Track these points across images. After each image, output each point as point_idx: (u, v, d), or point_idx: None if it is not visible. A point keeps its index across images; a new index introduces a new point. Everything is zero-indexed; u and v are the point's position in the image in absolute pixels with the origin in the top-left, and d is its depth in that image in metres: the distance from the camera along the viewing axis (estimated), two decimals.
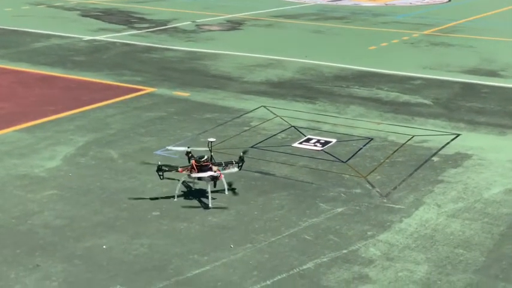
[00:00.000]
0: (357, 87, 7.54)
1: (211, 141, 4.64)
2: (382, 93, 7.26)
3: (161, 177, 4.53)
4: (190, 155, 4.60)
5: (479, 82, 7.83)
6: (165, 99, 6.92)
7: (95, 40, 10.14)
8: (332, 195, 4.53)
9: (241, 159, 4.67)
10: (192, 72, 8.21)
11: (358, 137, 5.76)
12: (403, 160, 5.21)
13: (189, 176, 4.41)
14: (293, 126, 6.04)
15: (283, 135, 5.81)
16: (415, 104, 6.86)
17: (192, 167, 4.46)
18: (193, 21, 12.06)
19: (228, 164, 4.64)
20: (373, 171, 4.96)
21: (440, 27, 11.74)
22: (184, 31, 11.12)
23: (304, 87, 7.50)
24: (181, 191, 4.51)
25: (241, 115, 6.38)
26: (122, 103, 6.75)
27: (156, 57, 9.05)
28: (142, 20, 12.20)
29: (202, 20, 12.27)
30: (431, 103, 6.91)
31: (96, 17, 12.32)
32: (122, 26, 11.42)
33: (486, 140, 5.75)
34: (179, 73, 8.14)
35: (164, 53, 9.29)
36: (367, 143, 5.60)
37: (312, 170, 5.00)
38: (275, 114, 6.42)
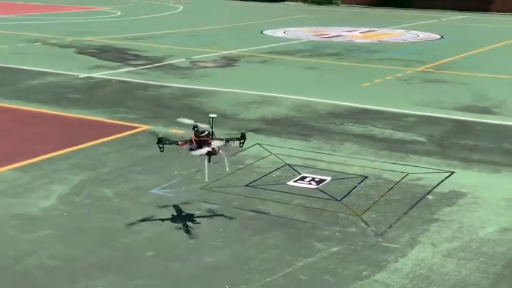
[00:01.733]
0: (351, 124, 7.58)
1: (213, 117, 4.64)
2: (377, 131, 7.30)
3: (161, 149, 4.52)
4: (196, 129, 4.59)
5: (472, 119, 7.89)
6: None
7: (90, 77, 10.20)
8: (327, 234, 4.53)
9: (243, 136, 4.66)
10: (187, 109, 8.25)
11: (353, 175, 5.78)
12: (398, 198, 5.22)
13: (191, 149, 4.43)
14: (288, 164, 6.06)
15: (278, 173, 5.83)
16: (410, 142, 6.90)
17: (192, 141, 4.45)
18: (188, 58, 12.15)
19: (229, 140, 4.64)
20: (368, 209, 4.97)
21: (433, 64, 11.84)
22: (179, 68, 11.19)
23: (299, 125, 7.54)
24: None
25: (236, 153, 6.38)
26: (117, 141, 6.76)
27: (152, 94, 9.10)
28: (137, 57, 12.28)
29: (197, 56, 12.36)
30: (426, 140, 6.95)
31: (92, 54, 12.40)
32: (117, 63, 11.49)
33: (480, 177, 5.77)
34: (174, 110, 8.17)
35: (159, 90, 9.34)
36: (362, 181, 5.62)
37: (306, 208, 5.00)
38: (270, 152, 6.44)
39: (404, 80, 10.46)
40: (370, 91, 9.63)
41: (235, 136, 4.72)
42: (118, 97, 8.86)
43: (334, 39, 15.34)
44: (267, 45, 13.95)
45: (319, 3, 25.01)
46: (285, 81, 10.32)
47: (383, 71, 11.19)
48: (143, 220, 4.72)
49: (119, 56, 12.32)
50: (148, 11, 21.64)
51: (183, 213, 4.80)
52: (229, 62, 11.98)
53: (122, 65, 11.38)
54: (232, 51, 13.04)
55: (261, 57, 12.53)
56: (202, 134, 4.47)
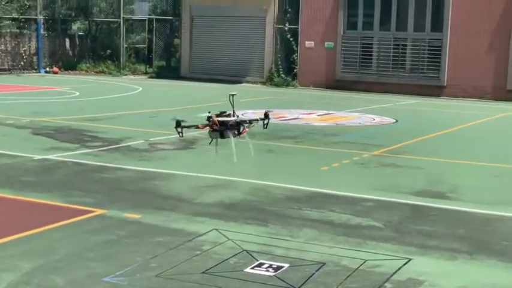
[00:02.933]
0: (309, 209, 7.57)
1: (233, 94, 4.66)
2: (334, 216, 7.30)
3: (180, 134, 4.48)
4: (211, 119, 4.61)
5: (428, 204, 7.95)
6: (115, 221, 6.83)
7: (45, 159, 10.07)
8: None
9: (266, 116, 4.66)
10: (144, 192, 8.17)
11: (311, 262, 5.72)
12: (356, 286, 5.17)
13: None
14: (245, 250, 5.98)
15: (235, 259, 5.74)
16: (367, 227, 6.90)
17: (214, 123, 4.45)
18: (146, 140, 12.12)
19: (252, 121, 4.65)
20: None
21: (389, 148, 12.01)
22: (137, 150, 11.14)
23: (256, 209, 7.50)
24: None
25: (193, 238, 6.31)
26: (71, 226, 6.62)
27: (108, 177, 9.00)
28: (95, 138, 12.20)
29: (155, 138, 12.34)
30: (383, 226, 6.96)
31: (48, 136, 12.29)
32: (74, 145, 11.39)
33: (437, 265, 5.77)
34: (131, 194, 8.08)
35: (116, 173, 9.25)
36: (319, 268, 5.56)
37: None
38: (227, 237, 6.37)
39: (362, 164, 10.56)
40: (328, 175, 9.68)
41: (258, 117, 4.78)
42: (73, 180, 8.74)
43: (292, 122, 15.51)
44: None
45: (277, 85, 25.38)
46: (242, 164, 10.32)
47: (340, 154, 11.30)
48: None
49: (76, 137, 12.23)
50: (107, 91, 21.69)
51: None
52: (187, 144, 11.98)
53: (79, 146, 11.29)
54: (191, 133, 13.05)
55: (218, 139, 12.54)
56: (224, 114, 4.53)
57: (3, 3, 27.91)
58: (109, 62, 29.31)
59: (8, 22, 28.34)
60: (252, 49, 26.56)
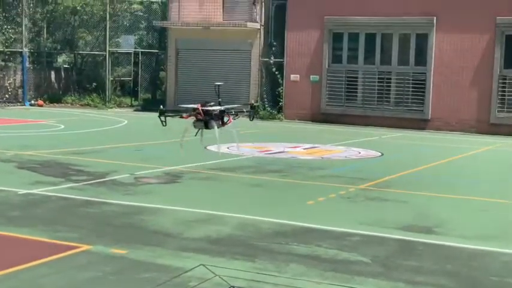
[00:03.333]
0: (296, 244, 7.54)
1: (219, 85, 4.65)
2: (321, 251, 7.27)
3: (163, 123, 4.43)
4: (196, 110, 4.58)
5: (414, 239, 7.95)
6: (101, 257, 6.76)
7: (30, 194, 9.99)
8: None
9: (252, 108, 4.64)
10: (130, 227, 8.11)
11: None
12: None
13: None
14: (232, 286, 5.94)
15: None
16: (354, 262, 6.88)
17: (198, 113, 4.42)
18: (131, 174, 12.07)
19: (238, 113, 4.63)
20: None
21: (375, 182, 12.03)
22: (122, 184, 11.09)
23: (244, 244, 7.46)
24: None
25: (179, 274, 6.26)
26: (57, 262, 6.55)
27: (94, 211, 8.94)
28: (80, 172, 12.14)
29: (140, 172, 12.29)
30: (370, 261, 6.94)
31: (33, 169, 12.21)
32: (59, 179, 11.32)
33: None
34: (117, 229, 8.02)
35: (102, 207, 9.19)
36: None
37: None
38: (214, 273, 6.32)
39: (348, 198, 10.56)
40: (314, 209, 9.68)
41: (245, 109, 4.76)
42: (59, 215, 8.67)
43: (277, 155, 15.52)
44: (211, 161, 13.99)
45: (263, 118, 25.45)
46: (229, 199, 10.31)
47: (327, 188, 11.30)
48: None
49: (61, 171, 12.16)
50: (92, 124, 21.64)
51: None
52: (173, 178, 11.94)
53: (64, 180, 11.22)
54: (177, 167, 13.03)
55: (204, 173, 12.54)
56: (209, 104, 4.52)
57: None
58: (94, 95, 29.29)
59: None
60: (238, 82, 26.66)
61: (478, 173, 13.98)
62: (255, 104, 4.65)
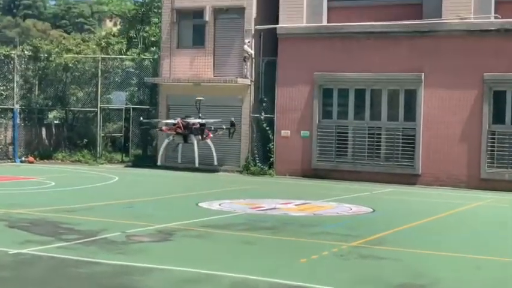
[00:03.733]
0: None
1: (200, 100, 4.55)
2: None
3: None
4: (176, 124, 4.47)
5: None
6: None
7: (20, 254, 9.89)
8: None
9: (232, 125, 4.55)
10: None
11: None
12: None
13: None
14: None
15: None
16: None
17: (178, 126, 4.32)
18: (123, 232, 11.98)
19: (218, 129, 4.53)
20: None
21: (367, 239, 11.99)
22: (113, 242, 11.00)
23: None
24: None
25: None
26: None
27: (85, 272, 8.84)
28: (70, 230, 12.05)
29: (132, 230, 12.21)
30: None
31: (24, 228, 12.11)
32: (49, 238, 11.23)
33: None
34: None
35: (93, 268, 9.09)
36: None
37: None
38: None
39: (341, 255, 10.51)
40: (308, 268, 9.60)
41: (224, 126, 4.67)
42: (49, 276, 8.58)
43: (269, 212, 15.48)
44: (202, 218, 13.94)
45: (254, 174, 25.45)
46: (221, 257, 10.23)
47: (319, 245, 11.25)
48: None
49: (52, 230, 12.06)
50: (83, 181, 21.57)
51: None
52: (165, 236, 11.86)
53: (54, 239, 11.13)
54: (168, 225, 12.96)
55: (196, 230, 12.47)
56: (188, 118, 4.45)
57: None
58: (85, 151, 29.26)
59: None
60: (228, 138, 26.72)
61: (470, 230, 13.97)
62: (234, 122, 4.63)
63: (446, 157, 23.05)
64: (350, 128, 24.78)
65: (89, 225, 12.68)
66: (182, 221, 13.36)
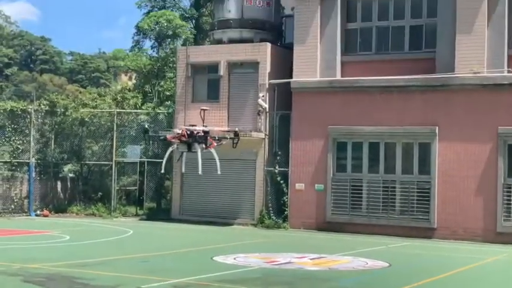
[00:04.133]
0: None
1: (205, 109, 4.55)
2: None
3: (147, 142, 4.32)
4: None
5: None
6: None
7: None
8: None
9: (236, 135, 4.52)
10: None
11: None
12: None
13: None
14: None
15: None
16: None
17: (182, 134, 4.32)
18: (138, 287, 11.95)
19: (221, 138, 4.51)
20: None
21: None
22: None
23: None
24: None
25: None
26: None
27: None
28: (86, 286, 12.04)
29: (147, 285, 12.18)
30: None
31: (39, 283, 12.11)
32: None
33: None
34: None
35: None
36: None
37: None
38: None
39: None
40: None
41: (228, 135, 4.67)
42: None
43: (284, 266, 15.39)
44: (218, 273, 13.88)
45: (268, 227, 25.37)
46: None
47: None
48: None
49: (67, 285, 12.06)
50: (98, 235, 21.60)
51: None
52: None
53: None
54: (183, 279, 12.91)
55: (212, 285, 12.42)
56: (192, 127, 4.46)
57: None
58: (100, 204, 29.34)
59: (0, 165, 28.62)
60: (243, 191, 26.74)
61: (489, 285, 13.80)
62: (238, 132, 4.67)
63: (462, 211, 22.90)
64: (364, 181, 24.74)
65: (103, 280, 12.66)
66: (197, 276, 13.31)
